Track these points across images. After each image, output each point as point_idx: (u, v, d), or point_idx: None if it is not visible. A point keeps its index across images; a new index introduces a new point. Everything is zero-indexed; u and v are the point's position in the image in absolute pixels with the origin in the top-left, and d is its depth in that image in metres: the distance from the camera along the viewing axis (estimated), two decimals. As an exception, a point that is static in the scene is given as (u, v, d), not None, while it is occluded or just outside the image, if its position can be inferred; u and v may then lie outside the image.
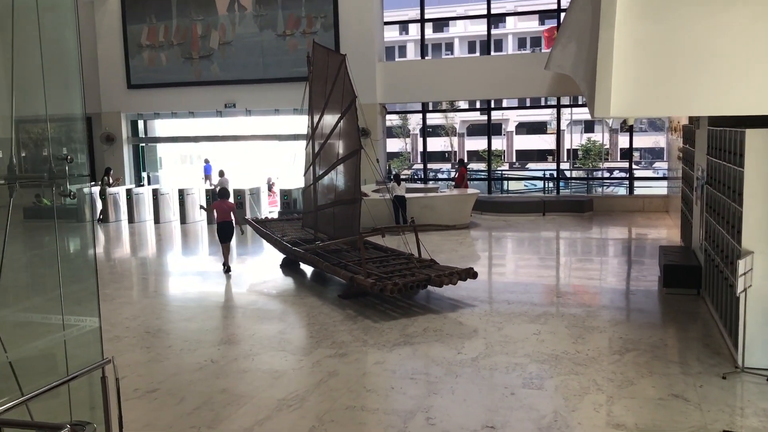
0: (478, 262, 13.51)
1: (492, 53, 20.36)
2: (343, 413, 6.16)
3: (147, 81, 22.05)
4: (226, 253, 12.54)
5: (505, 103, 59.17)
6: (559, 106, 21.01)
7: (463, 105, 24.23)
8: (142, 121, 23.19)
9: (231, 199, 13.76)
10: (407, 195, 16.71)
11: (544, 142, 56.22)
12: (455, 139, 58.04)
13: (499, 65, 19.72)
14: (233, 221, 12.52)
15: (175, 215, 19.75)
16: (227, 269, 12.43)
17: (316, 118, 12.62)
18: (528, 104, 58.16)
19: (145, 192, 20.20)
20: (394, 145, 54.04)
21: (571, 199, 19.62)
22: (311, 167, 12.83)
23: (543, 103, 57.70)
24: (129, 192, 19.94)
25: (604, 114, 6.80)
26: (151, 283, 12.40)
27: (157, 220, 19.63)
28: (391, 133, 55.96)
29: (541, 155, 57.23)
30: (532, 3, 48.93)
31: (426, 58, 20.78)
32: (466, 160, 20.29)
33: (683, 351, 7.86)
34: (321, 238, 12.27)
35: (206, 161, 18.42)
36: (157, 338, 8.62)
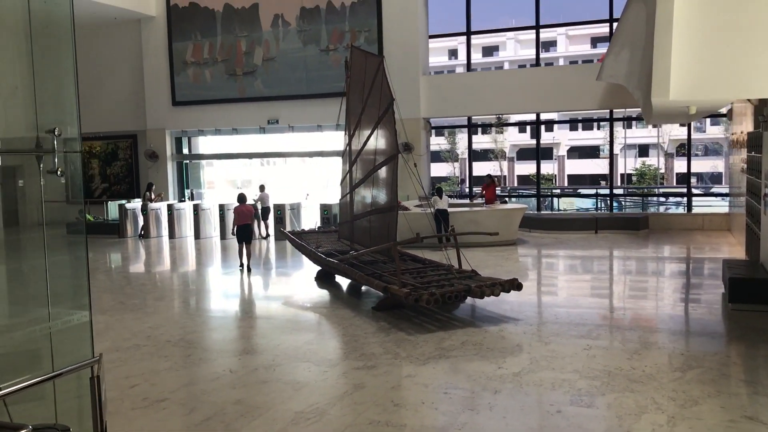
0: (524, 277, 12.71)
1: (541, 65, 19.64)
2: (365, 428, 5.49)
3: (191, 98, 22.04)
4: (244, 253, 13.58)
5: (556, 126, 58.31)
6: (611, 119, 20.09)
7: (512, 121, 23.51)
8: (186, 138, 23.16)
9: (250, 203, 14.83)
10: (450, 209, 16.04)
11: (597, 166, 54.72)
12: (505, 163, 57.12)
13: (549, 77, 18.99)
14: (252, 224, 13.99)
15: (216, 230, 19.49)
16: (247, 268, 13.48)
17: (353, 125, 12.12)
18: (580, 123, 57.27)
19: (186, 207, 20.03)
20: (442, 169, 53.36)
21: (625, 217, 18.62)
22: (348, 175, 12.31)
23: (596, 125, 56.85)
24: (170, 207, 19.78)
25: (663, 96, 6.08)
26: (181, 295, 11.99)
27: (197, 236, 19.39)
28: (439, 157, 55.60)
29: (593, 180, 55.82)
30: (583, 27, 48.12)
31: (472, 70, 20.22)
32: (494, 175, 19.28)
33: (754, 369, 6.96)
34: (356, 248, 11.69)
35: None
36: (178, 347, 8.11)
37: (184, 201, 20.95)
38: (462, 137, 54.84)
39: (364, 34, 19.82)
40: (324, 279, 12.09)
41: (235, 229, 13.56)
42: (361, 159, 11.73)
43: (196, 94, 22.01)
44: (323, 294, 11.32)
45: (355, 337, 8.36)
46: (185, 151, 23.22)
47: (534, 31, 19.57)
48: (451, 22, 21.17)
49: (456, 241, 10.40)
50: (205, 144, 23.46)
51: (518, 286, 9.15)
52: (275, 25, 21.01)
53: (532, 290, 11.35)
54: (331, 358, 7.58)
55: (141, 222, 20.09)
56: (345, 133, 12.70)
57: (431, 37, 20.47)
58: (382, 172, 10.80)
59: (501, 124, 19.39)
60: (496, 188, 17.76)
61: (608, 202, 21.66)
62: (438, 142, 56.09)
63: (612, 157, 21.36)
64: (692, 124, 19.67)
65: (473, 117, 21.29)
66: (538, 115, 20.85)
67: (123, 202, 20.72)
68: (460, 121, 21.81)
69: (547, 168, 55.74)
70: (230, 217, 17.14)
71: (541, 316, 9.43)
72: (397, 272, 9.18)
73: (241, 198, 13.92)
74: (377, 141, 11.02)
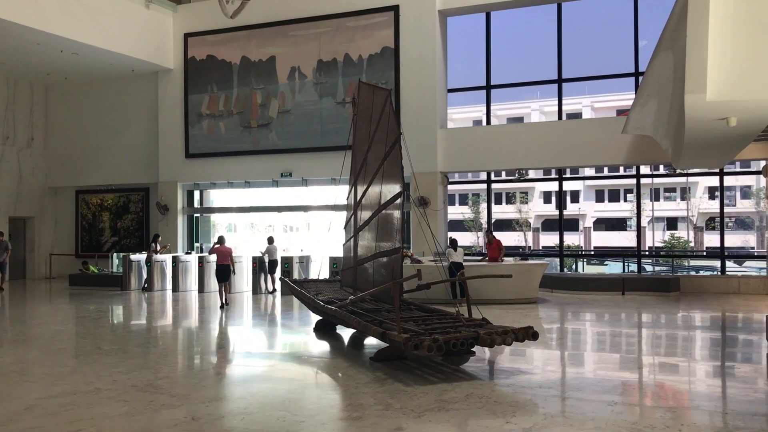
0: (543, 334, 11.57)
1: (563, 119, 18.89)
2: (334, 486, 4.44)
3: (204, 150, 21.62)
4: (222, 291, 15.05)
5: (582, 197, 57.35)
6: (639, 175, 19.15)
7: (533, 176, 22.63)
8: (198, 191, 22.63)
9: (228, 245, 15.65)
10: (466, 263, 15.04)
11: (624, 239, 53.43)
12: (530, 234, 56.02)
13: (572, 131, 18.20)
14: (230, 264, 15.07)
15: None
16: (223, 305, 14.88)
17: (359, 164, 11.35)
18: (606, 194, 56.19)
19: (192, 260, 19.26)
20: (466, 239, 52.39)
21: (654, 278, 17.39)
22: (352, 217, 11.46)
23: (623, 196, 55.81)
24: (175, 259, 19.03)
25: (699, 92, 5.20)
26: (166, 342, 11.03)
27: (201, 290, 18.52)
28: (462, 226, 54.72)
29: (609, 251, 54.42)
30: (608, 98, 47.76)
31: (491, 124, 19.55)
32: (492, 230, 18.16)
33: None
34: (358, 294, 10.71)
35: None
36: (143, 392, 7.13)
37: (190, 253, 20.18)
38: (485, 207, 54.31)
39: (381, 86, 19.32)
40: (324, 330, 11.10)
41: (216, 268, 15.06)
42: (367, 199, 10.90)
43: (210, 146, 21.59)
44: (320, 345, 10.30)
45: (345, 387, 7.34)
46: (196, 203, 22.64)
47: (557, 95, 18.92)
48: (472, 76, 20.63)
49: (466, 287, 9.40)
50: (217, 197, 22.89)
51: (533, 335, 8.08)
52: (291, 77, 20.69)
53: (551, 345, 10.22)
54: (311, 408, 6.54)
55: (145, 274, 19.34)
56: (350, 175, 11.94)
57: (450, 90, 19.94)
58: (388, 212, 9.91)
59: (522, 179, 18.44)
60: (500, 247, 16.50)
61: (634, 265, 20.53)
62: (462, 211, 55.47)
63: (639, 230, 20.25)
64: (723, 196, 18.61)
65: (492, 173, 20.55)
66: (560, 173, 19.99)
67: (128, 254, 20.02)
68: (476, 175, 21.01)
69: (573, 239, 54.50)
70: (213, 259, 16.61)
71: (559, 370, 8.31)
72: (395, 316, 8.17)
73: (221, 239, 15.31)
74: (383, 180, 10.19)
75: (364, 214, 10.96)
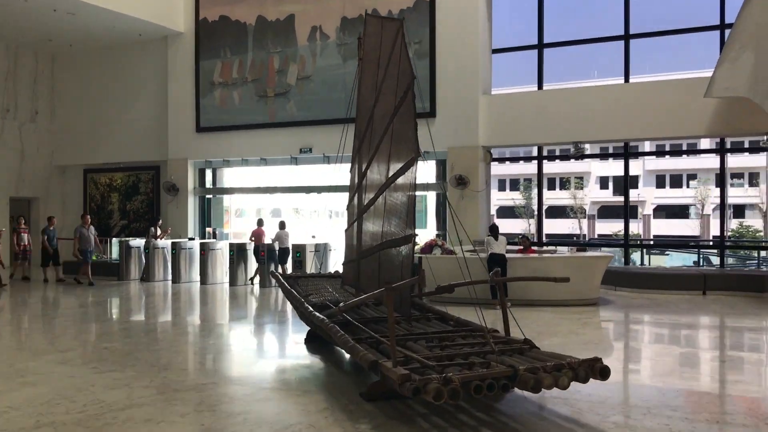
0: (609, 352, 8.70)
1: (631, 80, 15.70)
2: None
3: (217, 123, 19.20)
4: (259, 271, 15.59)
5: (641, 182, 53.23)
6: (723, 149, 15.89)
7: (590, 151, 19.54)
8: (210, 170, 20.25)
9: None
10: (509, 255, 12.22)
11: (687, 227, 49.45)
12: (585, 221, 52.50)
13: (641, 96, 15.06)
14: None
15: (227, 276, 16.25)
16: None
17: (365, 123, 8.64)
18: (667, 179, 52.06)
19: (196, 247, 16.89)
20: (516, 225, 49.17)
21: (742, 275, 14.19)
22: (356, 193, 8.77)
23: (685, 182, 51.59)
24: (174, 246, 16.67)
25: None
26: (117, 346, 8.57)
27: (203, 281, 16.15)
28: (512, 212, 51.46)
29: (682, 242, 50.52)
30: (673, 72, 43.70)
31: (544, 88, 16.47)
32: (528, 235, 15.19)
33: None
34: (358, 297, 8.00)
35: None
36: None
37: (193, 239, 17.81)
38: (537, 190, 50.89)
39: (414, 46, 16.53)
40: (317, 342, 8.47)
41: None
42: (373, 171, 8.17)
43: (222, 119, 19.15)
44: (309, 365, 7.67)
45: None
46: (208, 183, 20.28)
47: (623, 54, 15.74)
48: (523, 34, 17.59)
49: (502, 291, 6.61)
50: (229, 177, 20.48)
51: (603, 372, 5.26)
52: (312, 38, 18.04)
53: (619, 375, 7.35)
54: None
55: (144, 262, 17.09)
56: (354, 141, 9.25)
57: (495, 51, 16.96)
58: (398, 184, 7.16)
59: (579, 154, 15.42)
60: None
61: (708, 257, 17.38)
62: (513, 197, 52.21)
63: (724, 207, 16.95)
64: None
65: (545, 149, 17.58)
66: (626, 148, 16.86)
67: (127, 239, 17.78)
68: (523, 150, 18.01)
69: (632, 228, 50.77)
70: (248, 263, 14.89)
71: (632, 412, 5.48)
72: (390, 337, 5.43)
73: (260, 222, 16.47)
74: (392, 142, 7.45)
75: (370, 190, 8.25)
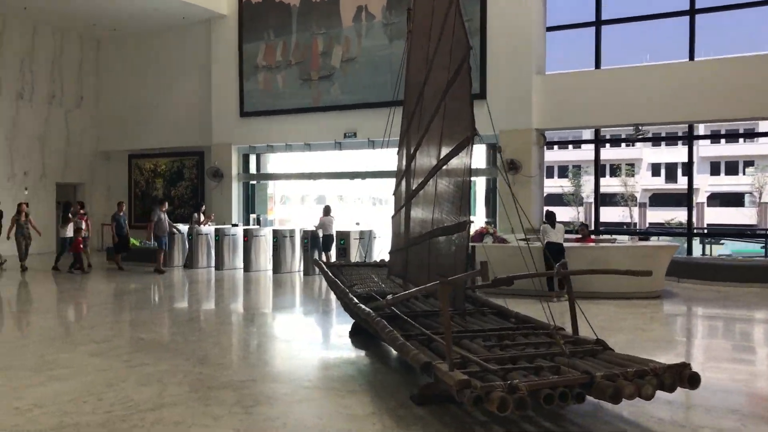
0: (683, 352, 7.94)
1: (698, 59, 14.66)
2: None
3: (260, 108, 18.78)
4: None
5: (695, 169, 51.25)
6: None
7: (651, 135, 18.51)
8: (254, 156, 19.87)
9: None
10: (566, 244, 11.47)
11: (743, 216, 47.43)
12: (636, 209, 50.88)
13: (710, 75, 14.03)
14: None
15: (270, 262, 15.87)
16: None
17: (414, 100, 8.01)
18: (722, 166, 49.96)
19: (239, 233, 16.52)
20: (565, 213, 47.81)
21: (820, 267, 13.14)
22: (404, 178, 8.16)
23: (741, 168, 49.40)
24: (218, 232, 16.33)
25: None
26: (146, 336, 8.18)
27: (247, 268, 15.80)
28: (561, 200, 50.06)
29: (738, 231, 48.55)
30: (740, 52, 41.77)
31: (602, 68, 15.54)
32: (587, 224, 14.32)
33: None
34: (407, 288, 7.39)
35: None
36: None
37: (236, 225, 17.47)
38: (588, 179, 49.31)
39: (466, 22, 15.72)
40: (363, 335, 7.91)
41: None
42: (423, 152, 7.54)
43: (266, 103, 18.72)
44: (352, 359, 7.14)
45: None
46: (252, 169, 19.91)
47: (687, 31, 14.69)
48: (580, 10, 16.66)
49: (569, 285, 5.94)
50: (273, 162, 20.08)
51: (692, 380, 4.56)
52: (357, 19, 17.43)
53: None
54: None
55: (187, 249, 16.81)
56: (402, 121, 8.62)
57: (550, 29, 16.09)
58: (451, 167, 6.53)
59: (639, 137, 14.53)
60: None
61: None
62: (560, 184, 50.79)
63: None
64: None
65: (602, 129, 16.67)
66: (690, 130, 15.85)
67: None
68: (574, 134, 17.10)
69: (683, 215, 48.94)
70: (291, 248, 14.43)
71: (719, 417, 4.78)
72: (445, 337, 4.82)
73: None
74: (444, 121, 6.81)
75: (420, 174, 7.62)
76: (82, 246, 15.53)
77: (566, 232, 12.22)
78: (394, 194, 9.02)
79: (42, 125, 20.49)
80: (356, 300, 7.25)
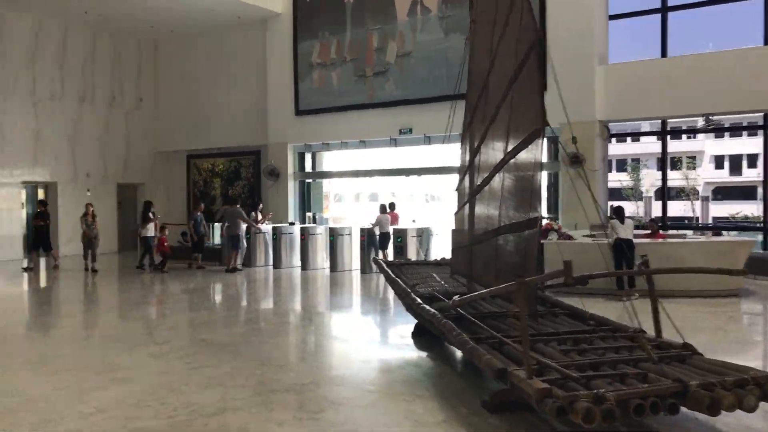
0: (757, 349, 7.42)
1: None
2: None
3: (316, 105, 18.70)
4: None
5: (762, 161, 49.09)
6: None
7: (723, 124, 17.65)
8: (309, 154, 19.81)
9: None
10: (636, 240, 10.95)
11: (814, 209, 45.27)
12: (698, 203, 49.18)
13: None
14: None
15: (326, 261, 15.76)
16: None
17: (477, 92, 7.69)
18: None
19: (296, 232, 16.47)
20: (625, 208, 46.36)
21: None
22: (467, 172, 7.85)
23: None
24: (275, 231, 16.31)
25: None
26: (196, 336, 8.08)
27: (304, 266, 15.73)
28: (620, 194, 48.68)
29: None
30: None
31: (669, 56, 14.87)
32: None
33: None
34: (475, 289, 7.08)
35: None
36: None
37: (294, 224, 17.42)
38: (647, 173, 47.79)
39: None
40: (425, 336, 7.64)
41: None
42: (488, 146, 7.22)
43: (321, 101, 18.62)
44: (415, 361, 6.88)
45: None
46: (308, 167, 19.86)
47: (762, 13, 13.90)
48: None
49: (651, 284, 5.55)
50: (329, 160, 19.99)
51: (797, 390, 4.14)
52: (413, 13, 17.14)
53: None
54: None
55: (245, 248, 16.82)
56: (465, 114, 8.31)
57: (612, 17, 15.50)
58: (519, 161, 6.20)
59: (710, 127, 13.83)
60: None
61: None
62: (619, 178, 49.43)
63: None
64: None
65: (669, 120, 15.98)
66: (766, 116, 15.04)
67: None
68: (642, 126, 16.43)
69: (750, 209, 47.03)
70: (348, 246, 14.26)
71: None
72: (522, 341, 4.52)
73: (391, 206, 15.10)
74: (511, 113, 6.49)
75: (484, 169, 7.31)
76: (165, 244, 15.84)
77: (635, 227, 11.69)
78: (456, 190, 8.72)
79: (102, 127, 20.89)
80: (419, 300, 6.99)
